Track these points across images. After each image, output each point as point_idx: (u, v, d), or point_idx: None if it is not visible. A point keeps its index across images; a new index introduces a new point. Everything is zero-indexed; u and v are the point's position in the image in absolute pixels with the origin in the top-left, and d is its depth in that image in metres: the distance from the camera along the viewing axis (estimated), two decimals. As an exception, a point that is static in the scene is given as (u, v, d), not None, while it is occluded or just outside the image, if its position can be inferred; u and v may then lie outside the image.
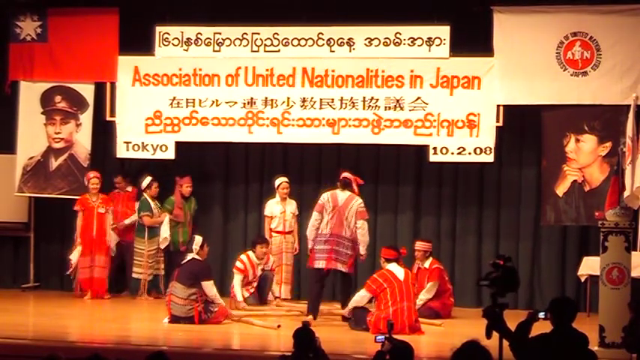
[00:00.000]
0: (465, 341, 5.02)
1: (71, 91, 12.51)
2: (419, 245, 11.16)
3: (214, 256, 12.15)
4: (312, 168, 12.55)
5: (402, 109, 11.73)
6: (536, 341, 5.99)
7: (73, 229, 12.32)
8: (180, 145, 12.23)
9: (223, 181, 12.76)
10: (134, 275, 12.24)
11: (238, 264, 11.38)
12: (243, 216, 12.72)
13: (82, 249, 12.12)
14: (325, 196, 10.58)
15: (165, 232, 12.21)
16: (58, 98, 12.57)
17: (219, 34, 12.08)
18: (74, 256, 12.13)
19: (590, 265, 10.79)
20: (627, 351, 7.96)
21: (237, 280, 11.31)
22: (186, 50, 12.16)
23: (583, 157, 11.30)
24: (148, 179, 12.31)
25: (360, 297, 10.11)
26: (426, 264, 11.07)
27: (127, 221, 12.41)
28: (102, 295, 12.16)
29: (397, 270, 10.00)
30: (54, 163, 12.60)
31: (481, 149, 11.54)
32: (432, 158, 11.71)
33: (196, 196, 12.47)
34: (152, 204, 12.26)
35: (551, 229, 11.77)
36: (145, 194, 12.30)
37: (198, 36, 12.12)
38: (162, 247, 12.25)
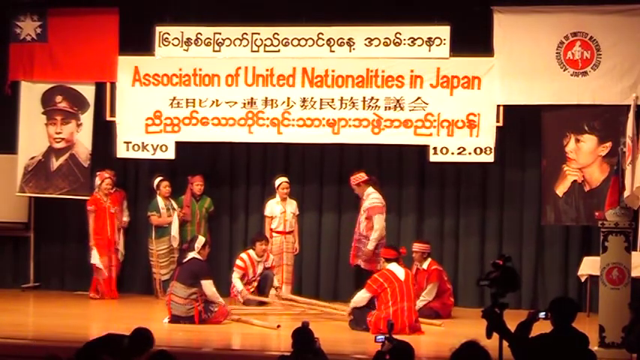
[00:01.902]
0: (463, 341, 5.02)
1: (72, 91, 12.50)
2: (416, 247, 11.13)
3: (220, 256, 12.17)
4: (313, 168, 12.53)
5: (402, 109, 11.72)
6: (536, 341, 5.99)
7: (77, 229, 12.34)
8: (184, 145, 12.23)
9: (226, 181, 12.75)
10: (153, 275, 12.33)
11: (239, 262, 11.40)
12: (244, 217, 12.70)
13: (100, 250, 12.13)
14: (379, 197, 11.18)
15: (173, 230, 12.22)
16: (58, 98, 12.56)
17: (219, 34, 12.06)
18: (96, 259, 12.11)
19: (590, 265, 10.79)
20: (627, 351, 7.96)
21: (235, 275, 11.35)
22: (186, 50, 12.14)
23: (583, 157, 11.30)
24: (157, 179, 12.32)
25: (361, 298, 10.09)
26: (425, 265, 11.06)
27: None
28: (114, 295, 12.22)
29: (397, 270, 10.00)
30: (55, 163, 12.58)
31: (481, 149, 11.53)
32: (432, 158, 11.70)
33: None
34: (162, 204, 12.26)
35: (554, 229, 11.76)
36: (156, 194, 12.32)
37: (198, 36, 12.10)
38: (175, 245, 12.19)
